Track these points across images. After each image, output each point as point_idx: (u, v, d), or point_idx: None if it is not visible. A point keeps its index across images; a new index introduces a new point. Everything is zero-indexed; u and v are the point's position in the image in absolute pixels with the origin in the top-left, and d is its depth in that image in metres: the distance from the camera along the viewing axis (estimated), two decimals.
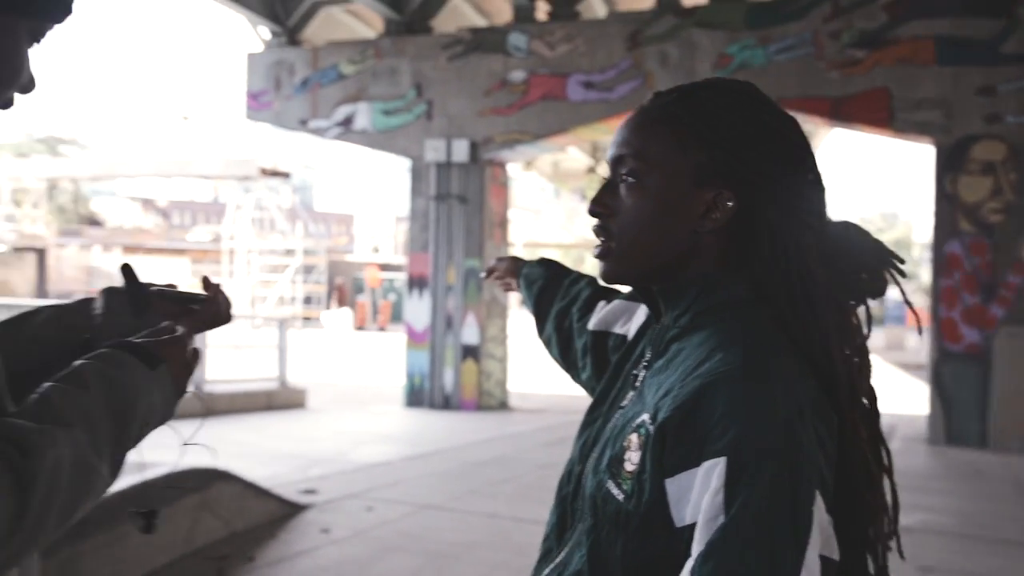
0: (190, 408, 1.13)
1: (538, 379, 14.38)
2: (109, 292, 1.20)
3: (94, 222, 49.28)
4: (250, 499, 5.30)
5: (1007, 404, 9.18)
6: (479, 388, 11.57)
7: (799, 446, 0.87)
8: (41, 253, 32.29)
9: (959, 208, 9.38)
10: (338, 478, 6.78)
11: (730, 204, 1.00)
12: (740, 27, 10.06)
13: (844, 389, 0.97)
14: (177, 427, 1.07)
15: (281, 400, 11.04)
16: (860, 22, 9.61)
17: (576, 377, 1.52)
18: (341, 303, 34.88)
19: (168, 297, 1.20)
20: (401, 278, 29.72)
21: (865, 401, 1.02)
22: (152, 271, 34.04)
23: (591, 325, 1.46)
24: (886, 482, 1.02)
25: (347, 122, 12.15)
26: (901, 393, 16.15)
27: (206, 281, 1.22)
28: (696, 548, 0.86)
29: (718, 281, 1.03)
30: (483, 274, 1.90)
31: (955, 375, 9.38)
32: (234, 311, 1.23)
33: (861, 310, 1.06)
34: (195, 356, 1.08)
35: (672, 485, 0.91)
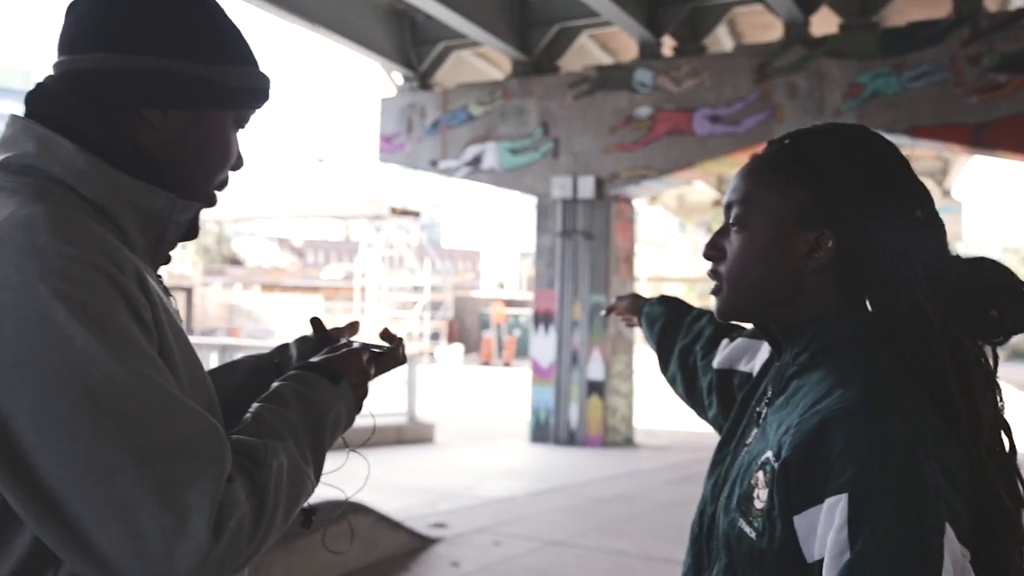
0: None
1: (664, 415, 14.19)
2: (302, 341, 1.36)
3: (235, 261, 51.74)
4: (383, 531, 5.43)
5: None
6: (604, 424, 11.50)
7: (922, 479, 0.88)
8: (189, 292, 34.09)
9: None
10: (466, 512, 6.85)
11: (830, 244, 1.03)
12: (872, 55, 9.78)
13: (968, 424, 0.96)
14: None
15: (410, 435, 11.25)
16: (1002, 44, 9.18)
17: (703, 414, 1.53)
18: (451, 339, 35.33)
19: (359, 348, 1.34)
20: (526, 314, 29.92)
21: (999, 435, 1.01)
22: (288, 308, 35.42)
23: (716, 363, 1.47)
24: None
25: (475, 161, 12.40)
26: None
27: (386, 332, 1.34)
28: None
29: (835, 319, 1.05)
30: (603, 312, 1.95)
31: None
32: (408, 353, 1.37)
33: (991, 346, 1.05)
34: (370, 363, 1.22)
35: (800, 521, 0.93)
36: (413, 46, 12.82)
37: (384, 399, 12.11)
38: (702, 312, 1.65)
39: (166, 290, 1.12)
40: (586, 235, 11.65)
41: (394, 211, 31.14)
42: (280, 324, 33.83)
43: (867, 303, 1.05)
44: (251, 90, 1.12)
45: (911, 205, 1.04)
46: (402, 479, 8.36)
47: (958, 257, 1.04)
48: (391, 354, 1.29)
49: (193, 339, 1.08)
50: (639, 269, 21.55)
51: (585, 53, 12.96)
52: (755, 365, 1.36)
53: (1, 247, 0.89)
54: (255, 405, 1.06)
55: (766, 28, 11.93)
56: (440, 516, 6.54)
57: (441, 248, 59.01)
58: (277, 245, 61.58)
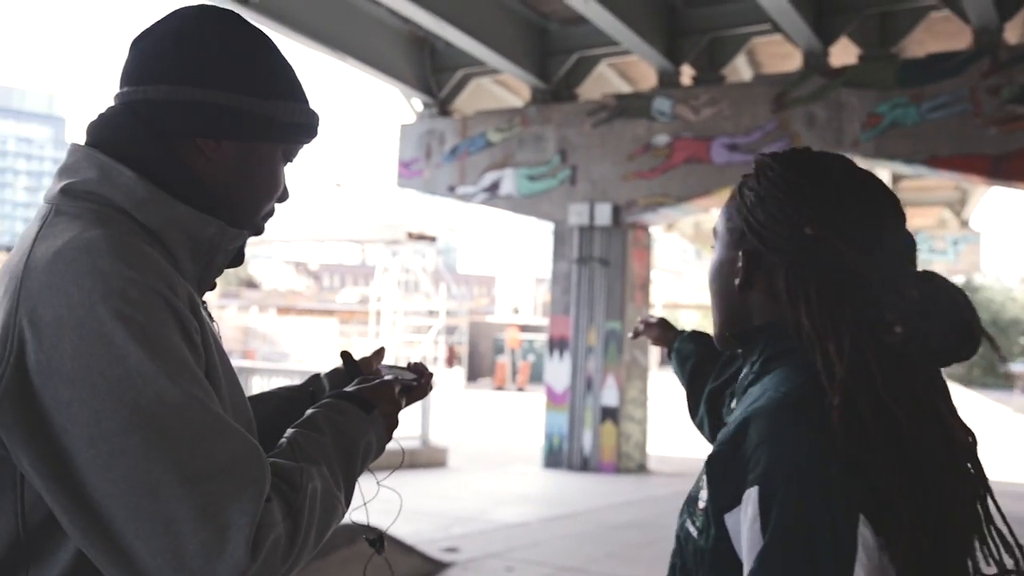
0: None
1: (678, 442, 14.10)
2: (333, 373, 1.41)
3: (251, 284, 51.97)
4: (396, 555, 5.42)
5: None
6: (618, 450, 11.45)
7: (827, 469, 0.91)
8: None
9: None
10: (478, 537, 6.83)
11: (739, 265, 1.11)
12: (891, 85, 9.80)
13: (907, 431, 0.97)
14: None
15: (423, 458, 11.24)
16: (1021, 77, 9.18)
17: None
18: (450, 363, 35.29)
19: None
20: (540, 339, 29.87)
21: (961, 438, 1.01)
22: (303, 331, 35.49)
23: None
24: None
25: (493, 188, 12.46)
26: None
27: (419, 366, 1.41)
28: None
29: (780, 329, 1.10)
30: (630, 334, 1.96)
31: None
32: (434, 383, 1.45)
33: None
34: (402, 395, 1.27)
35: (730, 519, 0.96)
36: (433, 73, 12.93)
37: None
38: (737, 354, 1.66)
39: (210, 315, 1.16)
40: (602, 262, 11.66)
41: (411, 236, 31.25)
42: (295, 347, 33.91)
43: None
44: (301, 125, 1.17)
45: (799, 223, 1.07)
46: (415, 503, 8.33)
47: (912, 272, 1.05)
48: (421, 388, 1.36)
49: None
50: (655, 296, 21.53)
51: (604, 81, 13.04)
52: None
53: (64, 268, 0.93)
54: (290, 430, 1.09)
55: (785, 58, 11.98)
56: (453, 540, 6.52)
57: (457, 273, 59.16)
58: (293, 268, 61.84)
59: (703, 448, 1.35)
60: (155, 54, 1.10)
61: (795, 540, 0.87)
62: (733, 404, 1.18)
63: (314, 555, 1.04)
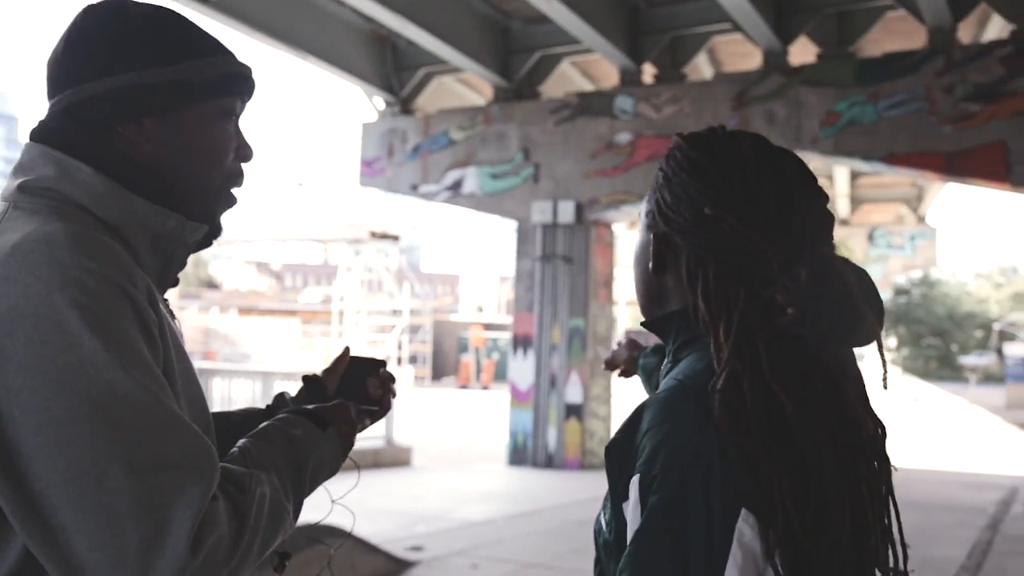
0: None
1: None
2: (298, 397, 1.40)
3: (212, 285, 51.43)
4: (360, 555, 5.39)
5: None
6: (582, 447, 11.50)
7: (709, 459, 0.88)
8: None
9: None
10: (443, 535, 6.82)
11: (650, 248, 1.09)
12: (849, 84, 9.94)
13: (791, 412, 0.92)
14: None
15: (387, 458, 11.20)
16: (975, 75, 9.36)
17: None
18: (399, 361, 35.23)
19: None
20: (505, 337, 29.89)
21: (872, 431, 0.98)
22: (265, 331, 35.20)
23: None
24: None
25: (456, 186, 12.44)
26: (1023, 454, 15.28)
27: (379, 381, 1.41)
28: None
29: (688, 315, 1.06)
30: (603, 367, 1.96)
31: None
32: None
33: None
34: (362, 417, 1.29)
35: (627, 509, 0.93)
36: (395, 71, 12.88)
37: None
38: None
39: (171, 312, 1.14)
40: (566, 259, 11.70)
41: (373, 235, 31.13)
42: (257, 348, 33.62)
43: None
44: (221, 78, 1.13)
45: (700, 203, 1.03)
46: (379, 502, 8.31)
47: (818, 255, 0.99)
48: (383, 411, 1.40)
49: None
50: (618, 293, 21.62)
51: (566, 80, 13.08)
52: None
53: (22, 259, 0.92)
54: (242, 440, 1.08)
55: (745, 57, 12.09)
56: (417, 539, 6.51)
57: (420, 272, 59.00)
58: (255, 268, 61.29)
59: None
60: (55, 64, 1.11)
61: (668, 528, 0.85)
62: None
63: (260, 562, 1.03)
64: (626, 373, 1.88)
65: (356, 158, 13.33)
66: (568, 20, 9.97)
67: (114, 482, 0.86)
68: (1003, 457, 14.66)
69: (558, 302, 11.73)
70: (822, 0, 10.20)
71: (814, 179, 1.07)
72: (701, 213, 1.02)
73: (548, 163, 11.80)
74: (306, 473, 1.10)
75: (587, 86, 13.30)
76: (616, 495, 0.95)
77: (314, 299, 42.51)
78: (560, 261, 11.72)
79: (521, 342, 12.01)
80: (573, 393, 11.58)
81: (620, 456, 0.95)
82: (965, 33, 10.23)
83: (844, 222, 22.51)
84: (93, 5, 1.12)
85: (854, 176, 19.80)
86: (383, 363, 1.43)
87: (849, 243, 22.94)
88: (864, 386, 1.02)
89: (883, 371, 1.07)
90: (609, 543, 0.98)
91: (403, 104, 13.01)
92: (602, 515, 1.02)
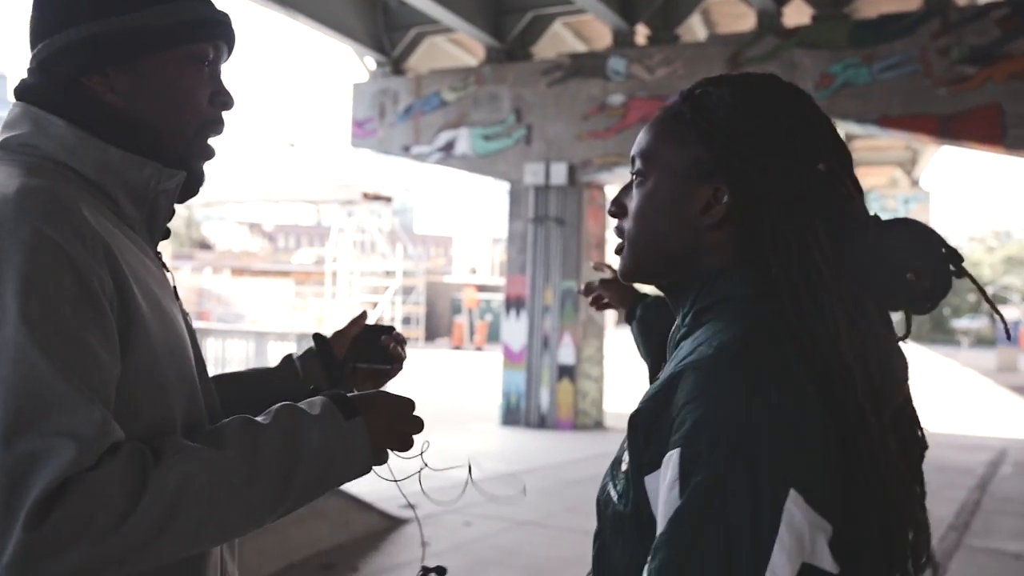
0: None
1: (634, 398, 14.28)
2: (307, 358, 1.37)
3: (205, 246, 51.28)
4: (354, 512, 5.46)
5: None
6: (575, 407, 11.59)
7: (761, 437, 0.80)
8: None
9: None
10: (437, 494, 6.89)
11: (725, 199, 0.97)
12: (843, 46, 9.88)
13: (862, 392, 0.87)
14: None
15: None
16: (971, 38, 9.32)
17: None
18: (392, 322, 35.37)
19: (363, 368, 1.39)
20: (498, 299, 29.95)
21: (905, 411, 0.95)
22: (258, 292, 35.18)
23: None
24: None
25: (448, 147, 12.39)
26: (1012, 416, 15.45)
27: (395, 352, 1.39)
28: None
29: (720, 277, 0.98)
30: (581, 289, 1.76)
31: None
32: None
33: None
34: (413, 424, 1.18)
35: (651, 482, 0.88)
36: (386, 31, 12.76)
37: None
38: None
39: (165, 266, 1.15)
40: (558, 221, 11.70)
41: (366, 196, 31.02)
42: (250, 309, 33.61)
43: (758, 260, 0.97)
44: (183, 24, 1.11)
45: (813, 158, 0.96)
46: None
47: (875, 217, 0.96)
48: (395, 371, 1.39)
49: None
50: (610, 255, 21.62)
51: (559, 41, 12.97)
52: None
53: None
54: (236, 417, 1.03)
55: (739, 18, 12.00)
56: (411, 497, 6.56)
57: (413, 233, 58.86)
58: (248, 229, 61.08)
59: None
60: (30, 20, 1.12)
61: (712, 508, 0.79)
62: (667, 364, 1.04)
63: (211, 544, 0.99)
64: (605, 306, 1.73)
65: (348, 119, 13.25)
66: None
67: None
68: (993, 419, 14.83)
69: (551, 264, 11.74)
70: None
71: None
72: (813, 169, 0.95)
73: (540, 125, 11.75)
74: (299, 464, 1.00)
75: (580, 47, 13.20)
76: (638, 467, 0.89)
77: (307, 260, 42.45)
78: (553, 223, 11.72)
79: (514, 303, 12.05)
80: (566, 354, 11.64)
81: (648, 426, 0.89)
82: None
83: None
84: None
85: (848, 139, 19.73)
86: (392, 328, 1.42)
87: None
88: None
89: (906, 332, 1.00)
90: (621, 514, 0.92)
91: (394, 64, 12.91)
92: (611, 485, 0.96)
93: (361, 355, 1.37)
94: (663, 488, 0.83)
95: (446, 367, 23.92)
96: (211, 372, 1.20)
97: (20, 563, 0.84)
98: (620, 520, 0.93)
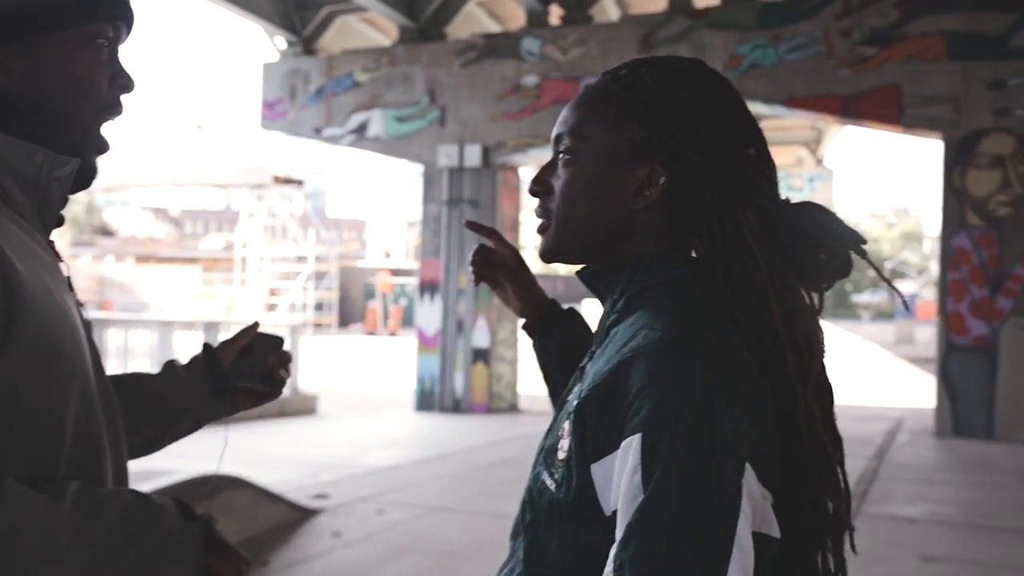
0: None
1: None
2: (191, 367, 1.31)
3: (107, 232, 49.61)
4: (262, 504, 5.30)
5: (1013, 396, 9.18)
6: (489, 391, 11.56)
7: (718, 416, 0.82)
8: None
9: (967, 202, 9.37)
10: (349, 483, 6.77)
11: (662, 181, 0.96)
12: (752, 27, 10.04)
13: (792, 367, 0.91)
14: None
15: (293, 407, 11.04)
16: (871, 19, 9.57)
17: None
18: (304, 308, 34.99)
19: (243, 387, 1.34)
20: (412, 283, 29.75)
21: (824, 380, 0.97)
22: (164, 280, 34.23)
23: None
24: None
25: (361, 129, 12.17)
26: (909, 387, 16.06)
27: (278, 375, 1.34)
28: (618, 533, 0.82)
29: (653, 260, 0.98)
30: (470, 269, 1.56)
31: (962, 368, 9.39)
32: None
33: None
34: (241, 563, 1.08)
35: (598, 470, 0.87)
36: (296, 10, 12.47)
37: None
38: None
39: (57, 254, 1.08)
40: (472, 203, 11.61)
41: (277, 179, 30.39)
42: (156, 297, 32.67)
43: (690, 243, 1.00)
44: (77, 4, 1.04)
45: (745, 142, 0.99)
46: (283, 452, 8.20)
47: (787, 201, 0.99)
48: (276, 392, 1.35)
49: None
50: (525, 237, 21.66)
51: (473, 20, 12.85)
52: None
53: None
54: (76, 484, 0.95)
55: None
56: (322, 487, 6.44)
57: (326, 217, 58.04)
58: (152, 215, 59.34)
59: None
60: None
61: (681, 493, 0.80)
62: (593, 348, 1.03)
63: None
64: (487, 280, 1.53)
65: (257, 100, 12.90)
66: None
67: None
68: (891, 390, 15.38)
69: (465, 247, 11.66)
70: None
71: None
72: (745, 153, 0.98)
73: (454, 106, 11.63)
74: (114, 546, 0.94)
75: (494, 27, 13.11)
76: (584, 454, 0.88)
77: (215, 246, 41.46)
78: (467, 205, 11.62)
79: (428, 287, 11.93)
80: (480, 338, 11.59)
81: (597, 413, 0.88)
82: None
83: None
84: None
85: (756, 119, 20.16)
86: (282, 341, 1.36)
87: None
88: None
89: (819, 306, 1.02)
90: (560, 503, 0.91)
91: (306, 44, 12.62)
92: (546, 474, 0.94)
93: (245, 370, 1.33)
94: (624, 475, 0.83)
95: (360, 353, 23.68)
96: (113, 365, 1.09)
97: None
98: (558, 509, 0.92)
